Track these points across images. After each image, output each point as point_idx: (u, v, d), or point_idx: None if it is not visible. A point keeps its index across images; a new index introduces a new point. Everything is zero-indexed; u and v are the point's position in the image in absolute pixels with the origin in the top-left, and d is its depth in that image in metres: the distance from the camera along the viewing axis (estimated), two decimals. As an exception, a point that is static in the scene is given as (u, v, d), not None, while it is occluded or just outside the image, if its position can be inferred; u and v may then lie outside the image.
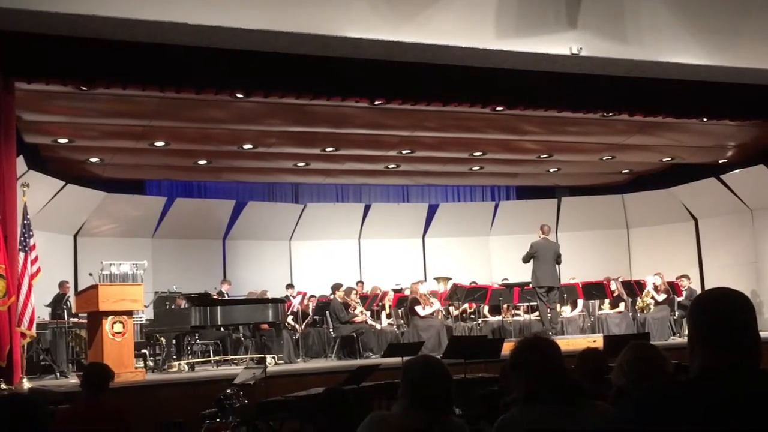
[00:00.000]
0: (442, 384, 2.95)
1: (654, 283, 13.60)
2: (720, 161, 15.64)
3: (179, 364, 10.87)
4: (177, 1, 7.49)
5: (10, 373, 8.22)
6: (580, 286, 13.80)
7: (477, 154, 14.73)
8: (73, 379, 9.45)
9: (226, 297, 13.23)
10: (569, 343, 10.70)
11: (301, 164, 14.99)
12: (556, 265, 12.53)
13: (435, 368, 3.00)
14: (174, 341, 11.18)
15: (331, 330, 12.75)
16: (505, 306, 13.90)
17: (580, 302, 14.35)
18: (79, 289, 11.88)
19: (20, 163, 10.49)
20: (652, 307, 13.50)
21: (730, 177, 15.44)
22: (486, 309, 14.17)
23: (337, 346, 12.41)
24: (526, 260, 12.41)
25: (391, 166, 15.58)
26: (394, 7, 8.08)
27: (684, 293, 13.78)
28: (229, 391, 6.90)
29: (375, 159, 14.94)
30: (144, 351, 11.57)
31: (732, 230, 15.80)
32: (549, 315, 12.30)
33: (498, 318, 13.84)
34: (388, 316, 13.98)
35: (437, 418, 2.89)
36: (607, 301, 14.11)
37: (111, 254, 14.14)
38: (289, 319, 12.80)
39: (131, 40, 7.65)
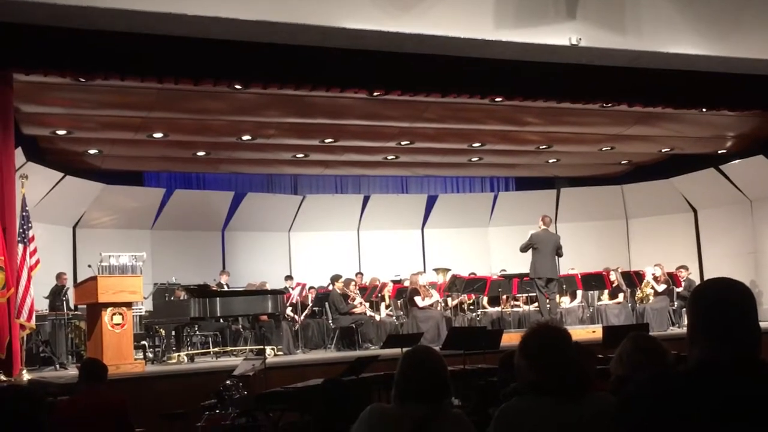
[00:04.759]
0: (438, 374, 2.96)
1: (653, 274, 13.59)
2: (719, 152, 15.63)
3: (179, 356, 10.88)
4: (175, -9, 7.46)
5: (10, 365, 8.24)
6: (580, 276, 13.81)
7: (476, 145, 14.71)
8: (73, 371, 9.45)
9: (225, 288, 13.24)
10: (568, 333, 10.70)
11: (300, 155, 14.98)
12: (557, 258, 12.53)
13: (430, 358, 3.01)
14: (173, 333, 11.20)
15: (330, 321, 12.76)
16: (504, 297, 13.92)
17: (579, 293, 14.38)
18: (79, 280, 11.89)
19: (19, 155, 10.49)
20: (651, 297, 13.51)
21: (729, 167, 15.44)
22: (485, 300, 14.18)
23: (337, 337, 12.42)
24: (523, 250, 12.38)
25: (390, 157, 15.57)
26: (392, -2, 8.05)
27: (683, 284, 13.79)
28: (228, 382, 6.92)
29: (374, 150, 14.92)
30: (143, 342, 11.61)
31: (731, 221, 15.81)
32: (548, 306, 12.31)
33: (497, 309, 13.86)
34: (387, 307, 13.99)
35: (435, 408, 2.90)
36: (606, 291, 14.12)
37: (110, 246, 14.16)
38: (288, 310, 12.80)
39: (129, 31, 7.61)
